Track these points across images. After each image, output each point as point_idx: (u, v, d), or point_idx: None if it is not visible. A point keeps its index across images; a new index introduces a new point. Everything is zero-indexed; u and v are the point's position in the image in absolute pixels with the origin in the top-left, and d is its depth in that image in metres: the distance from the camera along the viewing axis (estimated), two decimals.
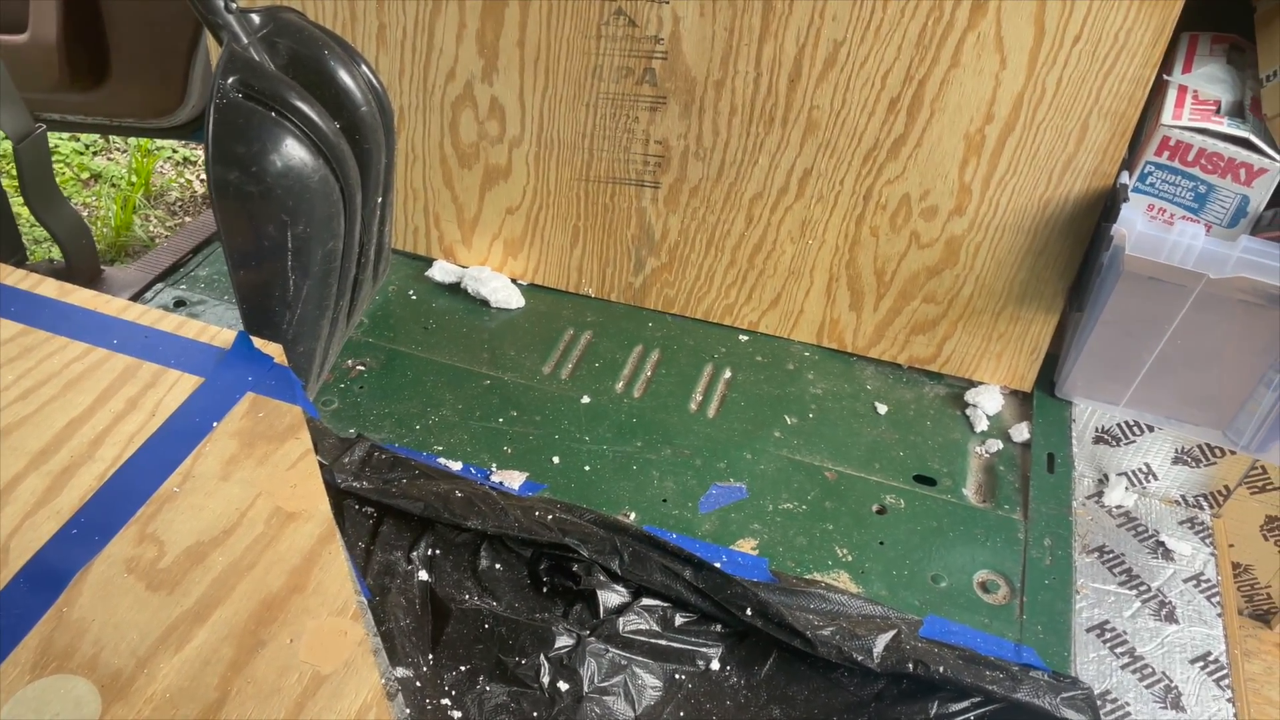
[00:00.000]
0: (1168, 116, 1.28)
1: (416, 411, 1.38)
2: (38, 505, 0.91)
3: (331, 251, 1.19)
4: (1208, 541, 1.48)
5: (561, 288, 1.65)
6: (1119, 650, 1.33)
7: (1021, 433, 1.44)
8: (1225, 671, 1.33)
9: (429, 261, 1.67)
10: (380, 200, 1.30)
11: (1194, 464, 1.48)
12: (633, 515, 1.29)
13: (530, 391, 1.44)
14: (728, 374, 1.53)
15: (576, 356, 1.52)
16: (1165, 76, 1.35)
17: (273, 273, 1.15)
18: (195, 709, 0.80)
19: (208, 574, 0.89)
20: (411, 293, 1.61)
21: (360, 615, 0.89)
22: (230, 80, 1.06)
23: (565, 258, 1.63)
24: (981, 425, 1.46)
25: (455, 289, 1.62)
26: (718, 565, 1.18)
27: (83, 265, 1.59)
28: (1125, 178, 1.33)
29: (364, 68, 1.22)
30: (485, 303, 1.59)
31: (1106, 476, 1.53)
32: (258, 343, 1.09)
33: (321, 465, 1.22)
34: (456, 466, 1.31)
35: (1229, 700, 1.30)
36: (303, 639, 0.86)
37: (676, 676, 1.14)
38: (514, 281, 1.65)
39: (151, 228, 2.66)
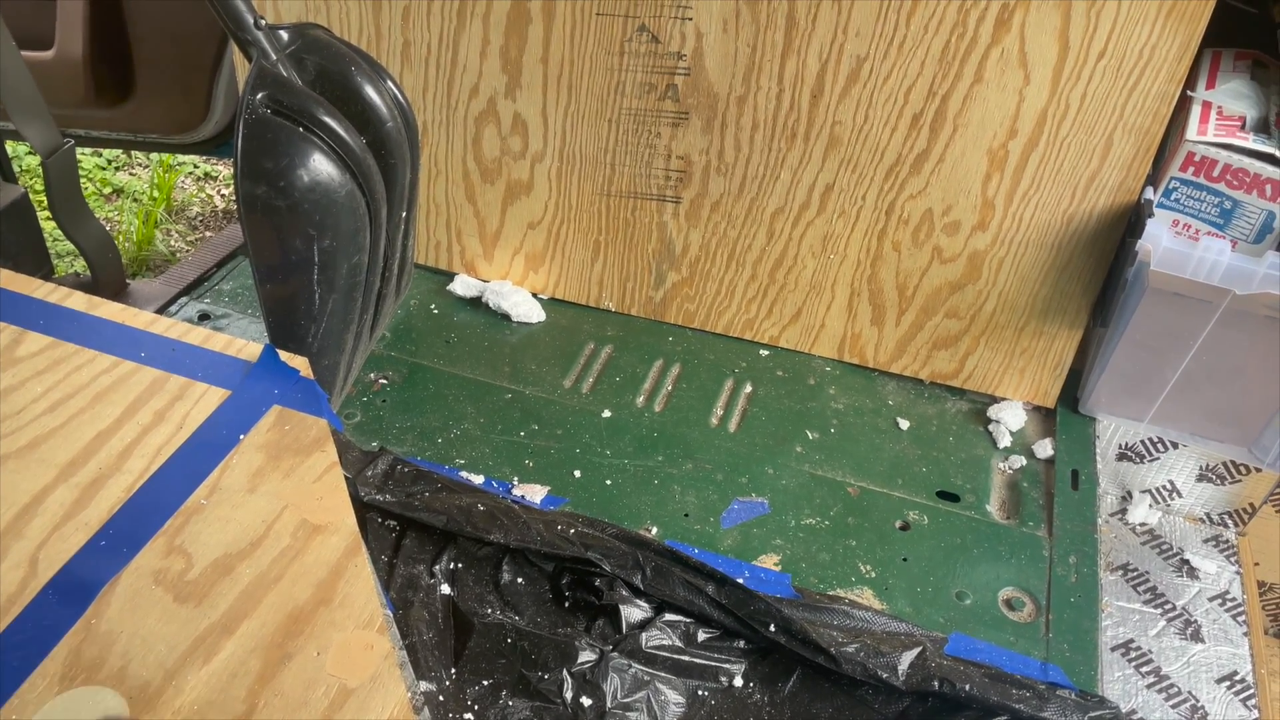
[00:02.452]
0: (1192, 132, 1.28)
1: (438, 425, 1.39)
2: (66, 517, 0.91)
3: (357, 265, 1.19)
4: (1233, 560, 1.46)
5: (582, 302, 1.66)
6: (1144, 669, 1.32)
7: (1045, 449, 1.44)
8: (1252, 691, 1.32)
9: (450, 276, 1.68)
10: (404, 215, 1.30)
11: (1219, 481, 1.47)
12: (655, 530, 1.28)
13: (551, 405, 1.44)
14: (748, 389, 1.52)
15: (597, 370, 1.52)
16: (1189, 92, 1.34)
17: (299, 286, 1.16)
18: None
19: (235, 586, 0.89)
20: (433, 307, 1.61)
21: (386, 628, 0.89)
22: (259, 96, 1.07)
23: (586, 272, 1.63)
24: (1005, 441, 1.45)
25: (476, 303, 1.63)
26: (740, 581, 1.18)
27: (108, 279, 1.60)
28: (1150, 193, 1.33)
29: (390, 84, 1.23)
30: (506, 317, 1.59)
31: (1130, 494, 1.52)
32: (284, 356, 1.09)
33: (345, 479, 1.23)
34: (478, 480, 1.31)
35: None
36: (329, 652, 0.86)
37: (699, 693, 1.14)
38: (535, 296, 1.65)
39: (173, 242, 2.68)
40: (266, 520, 0.95)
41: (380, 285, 1.31)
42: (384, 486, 1.24)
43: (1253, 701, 1.31)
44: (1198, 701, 1.29)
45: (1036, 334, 1.48)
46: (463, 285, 1.64)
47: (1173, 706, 1.29)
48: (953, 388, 1.56)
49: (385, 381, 1.45)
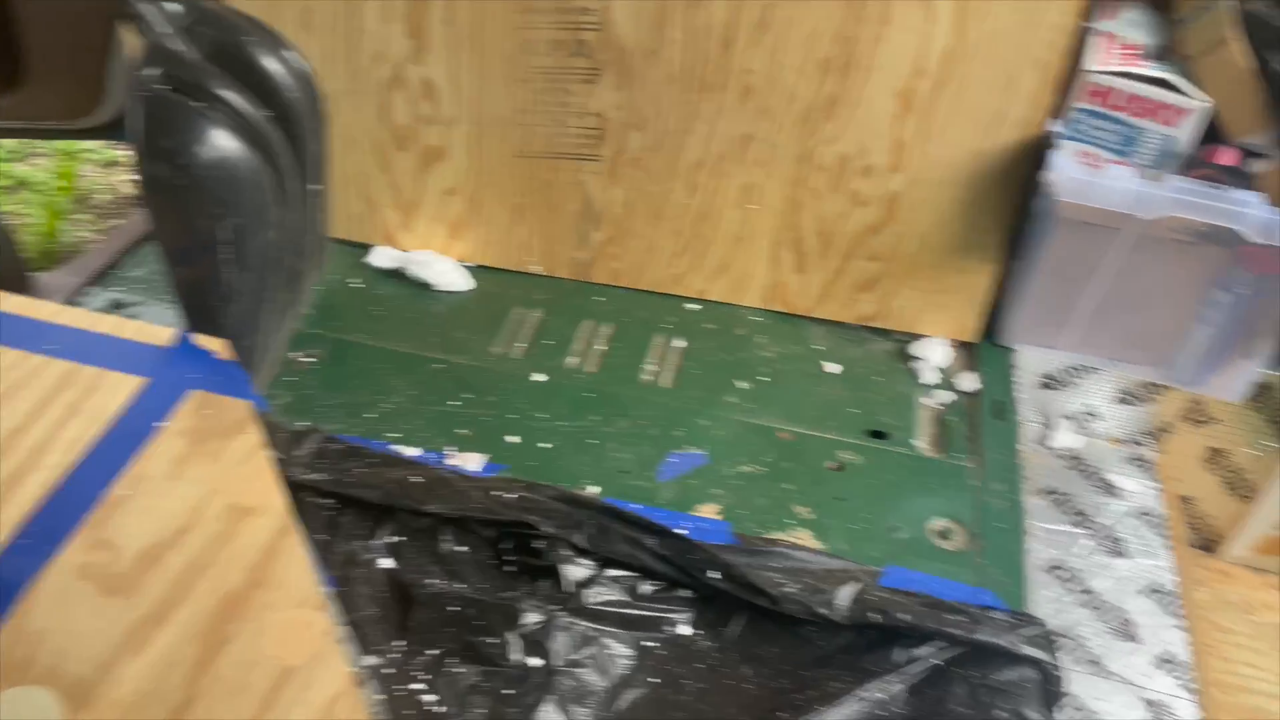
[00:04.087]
0: (1092, 62, 1.30)
1: (368, 400, 1.37)
2: None
3: (267, 242, 1.17)
4: (1152, 477, 1.52)
5: (507, 267, 1.64)
6: (1073, 587, 1.37)
7: (968, 382, 1.47)
8: (1175, 601, 1.38)
9: (369, 248, 1.65)
10: (315, 188, 1.27)
11: (1136, 402, 1.52)
12: (593, 489, 1.29)
13: (483, 373, 1.44)
14: (679, 343, 1.53)
15: (527, 335, 1.52)
16: (1089, 24, 1.37)
17: (209, 267, 1.13)
18: (162, 711, 0.79)
19: (165, 575, 0.87)
20: (354, 281, 1.58)
21: (325, 606, 0.89)
22: (152, 73, 1.04)
23: (509, 236, 1.62)
24: (929, 377, 1.48)
25: (399, 274, 1.60)
26: (681, 532, 1.19)
27: (9, 272, 1.54)
28: (1054, 125, 1.35)
29: (290, 53, 1.19)
30: (430, 286, 1.57)
31: (1052, 420, 1.56)
32: (200, 339, 1.07)
33: (274, 459, 1.21)
34: (413, 452, 1.30)
35: (1180, 628, 1.35)
36: (268, 634, 0.85)
37: (646, 644, 1.15)
38: (458, 264, 1.63)
39: (80, 232, 2.59)
40: (193, 507, 0.93)
41: (295, 261, 1.28)
42: (315, 465, 1.22)
43: (1177, 609, 1.37)
44: (1124, 613, 1.35)
45: (955, 270, 1.50)
46: (383, 257, 1.62)
47: (1101, 620, 1.34)
48: (877, 328, 1.58)
49: (311, 359, 1.43)
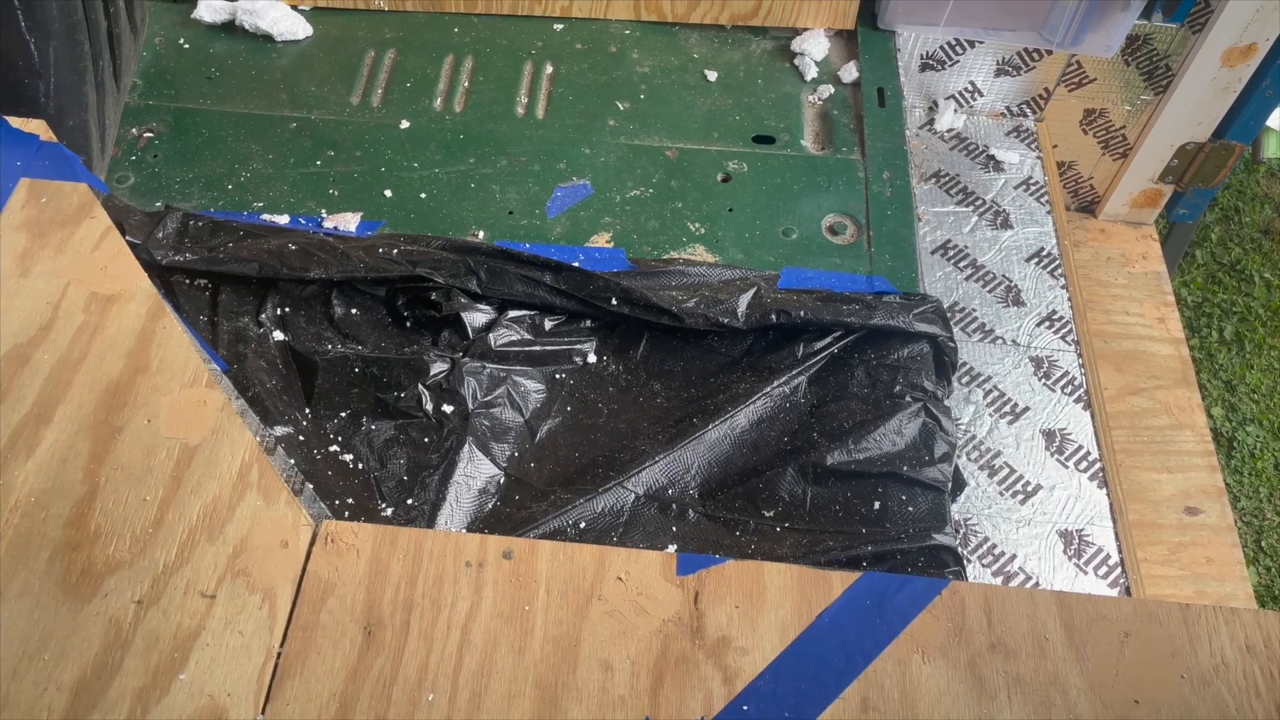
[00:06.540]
0: None
1: (224, 171, 1.27)
2: None
3: (68, 4, 1.03)
4: (1033, 146, 1.54)
5: (350, 5, 1.50)
6: (962, 264, 1.41)
7: (850, 72, 1.43)
8: (1058, 263, 1.43)
9: (193, 1, 1.48)
10: None
11: (1015, 72, 1.51)
12: (481, 234, 1.25)
13: (343, 126, 1.34)
14: (549, 69, 1.44)
15: (384, 79, 1.41)
16: None
17: (8, 40, 1.00)
18: (66, 506, 0.77)
19: (37, 375, 0.83)
20: (182, 41, 1.43)
21: (216, 383, 0.86)
22: None
23: None
24: (811, 73, 1.44)
25: (230, 28, 1.45)
26: (576, 264, 1.17)
27: None
28: None
29: None
30: (268, 38, 1.43)
31: (936, 103, 1.55)
32: (16, 123, 0.96)
33: (134, 245, 1.13)
34: (283, 220, 1.23)
35: (1063, 288, 1.41)
36: (160, 416, 0.83)
37: (557, 376, 1.16)
38: (295, 8, 1.48)
39: None
40: (50, 302, 0.88)
41: (108, 23, 1.15)
42: (180, 245, 1.15)
43: (1059, 271, 1.43)
44: (1011, 282, 1.40)
45: None
46: (209, 9, 1.45)
47: (989, 291, 1.39)
48: (754, 27, 1.51)
49: (151, 134, 1.31)
